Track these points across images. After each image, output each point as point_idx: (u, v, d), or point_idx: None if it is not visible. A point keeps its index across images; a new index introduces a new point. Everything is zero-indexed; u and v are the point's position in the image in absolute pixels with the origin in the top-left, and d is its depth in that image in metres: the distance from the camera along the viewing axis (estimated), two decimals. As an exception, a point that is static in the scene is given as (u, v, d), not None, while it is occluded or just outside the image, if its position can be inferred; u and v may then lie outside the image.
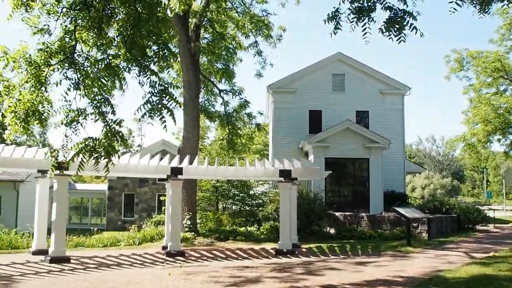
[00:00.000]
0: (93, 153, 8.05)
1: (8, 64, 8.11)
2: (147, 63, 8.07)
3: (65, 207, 16.31)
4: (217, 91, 28.24)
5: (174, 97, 8.09)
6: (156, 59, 8.18)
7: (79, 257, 17.05)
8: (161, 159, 18.95)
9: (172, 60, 8.91)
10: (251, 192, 27.34)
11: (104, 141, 8.12)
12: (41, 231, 17.84)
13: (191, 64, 24.55)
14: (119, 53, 8.47)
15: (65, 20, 8.54)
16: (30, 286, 11.74)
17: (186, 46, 24.33)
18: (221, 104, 27.86)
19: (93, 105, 8.26)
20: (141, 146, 75.59)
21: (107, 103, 8.25)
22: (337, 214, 25.19)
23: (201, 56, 26.49)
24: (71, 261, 15.88)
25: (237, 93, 27.19)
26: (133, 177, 36.33)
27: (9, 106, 7.97)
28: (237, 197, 27.18)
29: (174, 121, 8.13)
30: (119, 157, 8.77)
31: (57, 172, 15.39)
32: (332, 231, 23.97)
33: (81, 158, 8.14)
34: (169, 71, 21.25)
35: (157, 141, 40.03)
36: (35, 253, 17.38)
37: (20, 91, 8.06)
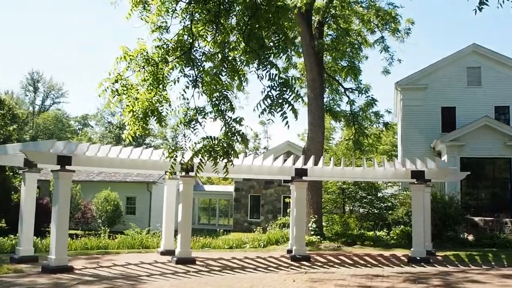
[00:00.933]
0: (212, 154, 7.63)
1: (130, 65, 7.99)
2: (266, 55, 7.46)
3: (190, 208, 16.37)
4: (342, 90, 27.21)
5: (295, 90, 7.37)
6: (276, 51, 7.56)
7: (204, 258, 17.06)
8: (285, 160, 18.43)
9: (292, 52, 8.24)
10: (379, 194, 25.95)
11: (224, 140, 7.66)
12: (168, 232, 18.17)
13: (314, 62, 23.83)
14: (238, 47, 7.97)
15: (183, 18, 8.25)
16: (154, 287, 11.72)
17: (309, 44, 23.66)
18: (347, 103, 26.79)
19: (212, 103, 7.86)
20: (267, 148, 76.55)
21: (226, 100, 7.80)
22: (476, 219, 22.95)
23: (324, 54, 25.67)
24: (197, 262, 15.90)
25: (363, 91, 25.89)
26: (258, 179, 36.44)
27: (127, 105, 7.83)
28: (364, 200, 25.95)
29: (296, 116, 7.41)
30: (237, 157, 8.18)
31: (183, 173, 15.61)
32: (470, 237, 21.82)
33: (200, 159, 7.76)
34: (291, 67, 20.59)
35: (281, 142, 39.83)
36: (163, 253, 17.72)
37: (137, 90, 7.91)
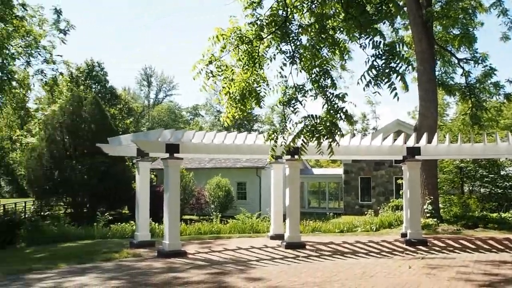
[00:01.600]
0: (315, 133, 7.16)
1: (226, 46, 7.72)
2: (369, 21, 6.77)
3: (297, 192, 16.05)
4: (455, 61, 25.23)
5: (403, 57, 6.62)
6: (378, 16, 6.87)
7: (314, 243, 16.69)
8: (395, 139, 17.45)
9: (398, 22, 7.45)
10: (502, 172, 23.90)
11: (326, 119, 7.16)
12: (277, 216, 18.02)
13: (423, 32, 22.23)
14: (337, 18, 7.38)
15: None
16: (263, 272, 11.57)
17: (416, 13, 22.12)
18: (461, 75, 24.76)
19: (312, 79, 7.38)
20: (376, 128, 74.32)
21: (326, 75, 7.27)
22: None
23: (434, 24, 23.90)
24: (306, 247, 15.58)
25: (479, 61, 23.72)
26: (368, 160, 35.37)
27: (223, 87, 7.59)
28: (485, 179, 24.04)
29: (406, 86, 6.73)
30: (342, 136, 7.58)
31: (288, 157, 15.31)
32: None
33: (302, 140, 7.33)
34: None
35: (391, 121, 38.19)
36: (273, 237, 17.62)
37: (233, 71, 7.64)
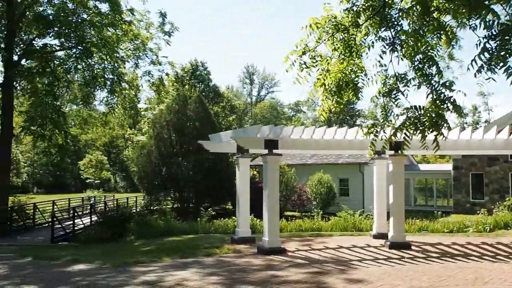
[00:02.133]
0: (418, 126, 6.57)
1: (321, 36, 7.34)
2: (479, 1, 6.05)
3: (402, 189, 15.24)
4: None
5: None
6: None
7: (421, 243, 15.79)
8: (511, 133, 16.02)
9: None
10: None
11: (431, 109, 6.54)
12: (380, 214, 17.30)
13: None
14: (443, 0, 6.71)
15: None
16: (365, 273, 11.06)
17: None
18: None
19: (415, 67, 6.79)
20: (488, 121, 69.74)
21: (431, 62, 6.64)
22: None
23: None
24: (412, 247, 14.77)
25: None
26: (480, 155, 33.10)
27: (317, 79, 7.22)
28: None
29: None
30: (449, 128, 6.88)
31: (391, 152, 14.60)
32: None
33: (405, 133, 6.76)
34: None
35: (506, 113, 35.36)
36: (376, 236, 16.94)
37: (328, 61, 7.24)
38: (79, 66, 25.46)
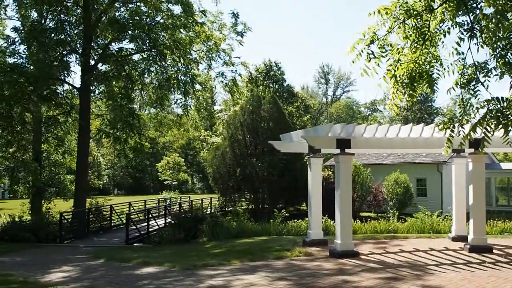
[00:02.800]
0: (501, 119, 5.96)
1: (392, 25, 6.85)
2: None
3: (482, 189, 14.23)
4: None
5: None
6: None
7: (503, 246, 14.74)
8: None
9: None
10: None
11: (517, 101, 5.92)
12: (459, 215, 16.35)
13: None
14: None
15: None
16: (442, 279, 10.38)
17: None
18: None
19: (496, 54, 6.19)
20: None
21: (515, 48, 6.03)
22: None
23: None
24: (494, 251, 13.77)
25: None
26: None
27: (388, 70, 6.74)
28: None
29: None
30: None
31: (471, 150, 13.76)
32: None
33: (485, 128, 6.16)
34: None
35: None
36: (454, 239, 16.02)
37: (398, 50, 6.75)
38: (152, 69, 26.07)
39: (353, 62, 6.71)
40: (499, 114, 6.02)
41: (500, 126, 6.02)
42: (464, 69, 6.65)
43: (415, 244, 15.73)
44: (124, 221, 24.80)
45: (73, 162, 29.13)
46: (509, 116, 5.93)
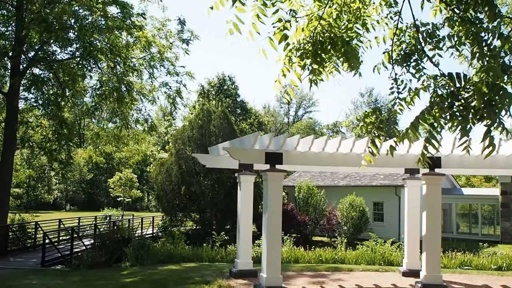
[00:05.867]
0: (456, 111, 3.78)
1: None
2: None
3: (437, 216, 12.12)
4: None
5: None
6: None
7: (462, 285, 12.68)
8: None
9: None
10: None
11: (481, 81, 3.75)
12: (412, 246, 14.15)
13: None
14: None
15: None
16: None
17: None
18: None
19: (451, 9, 4.06)
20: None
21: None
22: None
23: None
24: (451, 291, 11.69)
25: None
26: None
27: (275, 27, 4.53)
28: None
29: None
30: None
31: (425, 170, 11.69)
32: None
33: (430, 125, 3.97)
34: None
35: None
36: (406, 273, 13.84)
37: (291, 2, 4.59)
38: (86, 74, 23.54)
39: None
40: (454, 101, 3.79)
41: (455, 121, 3.80)
42: (401, 34, 4.46)
43: (359, 278, 13.49)
44: (52, 240, 22.09)
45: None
46: (471, 103, 3.69)
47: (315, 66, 4.44)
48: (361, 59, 4.69)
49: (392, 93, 4.47)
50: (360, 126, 4.48)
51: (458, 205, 36.87)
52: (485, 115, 3.56)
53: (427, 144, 3.83)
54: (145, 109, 28.19)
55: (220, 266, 15.46)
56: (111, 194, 70.00)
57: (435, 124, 3.80)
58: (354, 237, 29.54)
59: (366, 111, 4.49)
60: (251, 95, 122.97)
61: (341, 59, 4.50)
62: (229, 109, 43.86)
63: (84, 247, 21.90)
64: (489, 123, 3.59)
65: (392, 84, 4.44)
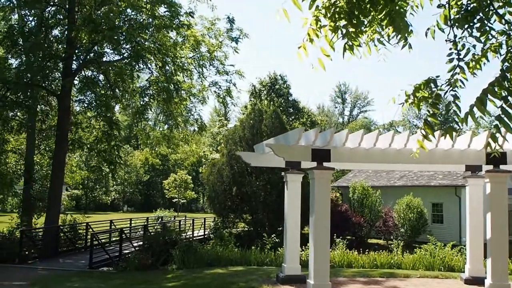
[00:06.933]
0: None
1: None
2: None
3: (504, 217, 10.95)
4: None
5: None
6: None
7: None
8: None
9: None
10: None
11: None
12: (475, 250, 12.89)
13: None
14: None
15: None
16: None
17: None
18: None
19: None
20: None
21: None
22: None
23: None
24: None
25: None
26: None
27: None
28: None
29: None
30: None
31: (489, 167, 10.59)
32: None
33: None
34: None
35: None
36: (468, 281, 12.64)
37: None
38: (135, 74, 23.53)
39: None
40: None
41: None
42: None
43: (417, 286, 12.44)
44: (102, 241, 22.30)
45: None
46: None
47: (351, 29, 3.66)
48: (410, 27, 3.88)
49: (451, 60, 3.64)
50: (410, 102, 3.66)
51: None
52: None
53: (499, 124, 3.01)
54: (195, 109, 27.88)
55: (268, 271, 14.79)
56: (166, 196, 70.92)
57: (509, 98, 2.96)
58: (412, 239, 28.18)
59: (417, 84, 3.67)
60: (305, 96, 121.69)
61: (384, 22, 3.69)
62: (281, 108, 43.12)
63: (133, 249, 21.78)
64: None
65: (451, 49, 3.62)
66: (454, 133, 3.57)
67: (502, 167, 11.03)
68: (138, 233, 27.90)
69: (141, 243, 22.69)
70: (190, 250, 17.83)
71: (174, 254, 17.55)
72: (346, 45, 3.72)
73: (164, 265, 17.91)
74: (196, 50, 26.07)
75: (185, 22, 24.00)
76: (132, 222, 31.98)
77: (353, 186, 32.80)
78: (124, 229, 24.15)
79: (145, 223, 30.54)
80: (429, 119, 3.61)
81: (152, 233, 23.06)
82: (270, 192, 30.54)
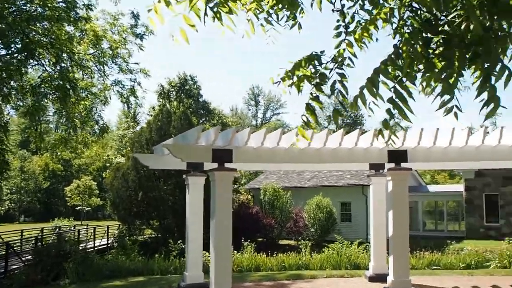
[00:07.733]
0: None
1: None
2: None
3: (405, 215, 10.94)
4: None
5: None
6: None
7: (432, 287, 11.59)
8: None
9: None
10: None
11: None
12: (378, 248, 12.93)
13: None
14: None
15: None
16: None
17: None
18: None
19: None
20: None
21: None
22: None
23: None
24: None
25: None
26: (494, 174, 29.44)
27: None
28: None
29: None
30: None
31: (391, 165, 10.57)
32: None
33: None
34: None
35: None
36: (372, 278, 12.64)
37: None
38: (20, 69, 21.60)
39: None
40: (430, 37, 2.50)
41: (432, 72, 2.51)
42: None
43: (322, 287, 12.23)
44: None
45: None
46: (456, 36, 2.40)
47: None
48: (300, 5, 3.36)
49: (338, 35, 3.20)
50: (290, 83, 3.16)
51: (424, 203, 36.38)
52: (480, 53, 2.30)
53: (392, 108, 2.58)
54: (96, 110, 26.28)
55: (171, 280, 14.02)
56: (68, 204, 67.07)
57: (404, 79, 2.55)
58: (322, 239, 28.48)
59: (298, 60, 3.17)
60: (220, 98, 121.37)
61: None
62: (191, 109, 42.22)
63: (22, 264, 19.93)
64: (486, 66, 2.35)
65: (338, 21, 3.18)
66: (339, 113, 3.26)
67: (403, 165, 11.07)
68: (31, 246, 25.74)
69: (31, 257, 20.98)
70: (86, 261, 16.58)
71: (67, 267, 16.22)
72: (211, 9, 3.12)
73: (56, 280, 16.49)
74: (97, 46, 24.55)
75: (84, 16, 22.49)
76: (26, 233, 29.37)
77: (264, 188, 32.71)
78: (13, 242, 22.06)
79: (39, 235, 28.16)
80: (311, 102, 3.16)
81: (46, 245, 21.36)
82: (179, 196, 29.62)
